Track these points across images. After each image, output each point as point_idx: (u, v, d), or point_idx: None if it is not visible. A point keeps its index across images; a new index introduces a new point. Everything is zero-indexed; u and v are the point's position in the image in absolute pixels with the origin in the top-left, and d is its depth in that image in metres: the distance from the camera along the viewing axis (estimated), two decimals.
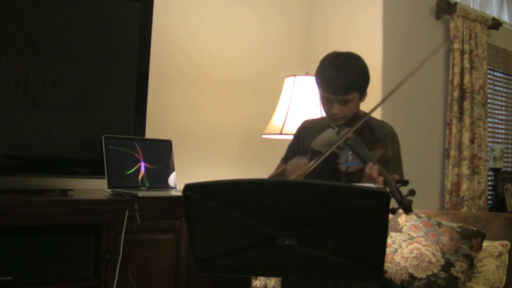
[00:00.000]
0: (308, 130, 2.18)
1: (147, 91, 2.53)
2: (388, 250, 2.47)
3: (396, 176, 1.82)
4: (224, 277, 2.32)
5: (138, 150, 2.38)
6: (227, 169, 3.20)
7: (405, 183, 1.78)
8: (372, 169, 1.79)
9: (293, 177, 1.94)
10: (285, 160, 2.28)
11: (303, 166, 1.94)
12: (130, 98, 2.48)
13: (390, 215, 2.02)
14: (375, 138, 1.99)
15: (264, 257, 1.45)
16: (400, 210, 1.79)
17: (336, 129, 2.01)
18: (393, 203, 1.77)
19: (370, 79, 2.02)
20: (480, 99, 3.71)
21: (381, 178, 1.77)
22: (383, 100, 1.98)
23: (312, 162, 1.93)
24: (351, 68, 1.96)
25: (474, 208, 3.61)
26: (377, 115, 3.08)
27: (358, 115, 2.05)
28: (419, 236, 2.47)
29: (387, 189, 1.77)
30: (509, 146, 4.55)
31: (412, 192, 1.74)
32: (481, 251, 2.45)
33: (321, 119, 2.31)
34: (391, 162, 1.94)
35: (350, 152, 1.91)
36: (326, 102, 2.01)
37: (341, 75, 1.94)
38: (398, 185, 1.77)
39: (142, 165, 2.38)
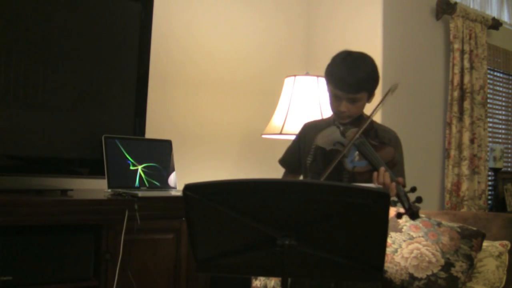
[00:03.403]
0: (309, 131, 2.18)
1: (147, 91, 2.53)
2: (388, 250, 2.47)
3: (401, 179, 1.82)
4: (224, 277, 2.32)
5: (138, 150, 2.38)
6: (227, 169, 3.20)
7: (414, 189, 1.78)
8: (385, 176, 1.79)
9: None
10: (283, 161, 2.29)
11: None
12: (130, 98, 2.48)
13: (393, 217, 2.02)
14: (381, 141, 1.99)
15: (264, 257, 1.45)
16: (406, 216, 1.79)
17: (341, 128, 2.01)
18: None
19: (379, 80, 2.02)
20: (480, 99, 3.71)
21: (393, 185, 1.77)
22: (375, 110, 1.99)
23: (329, 166, 1.92)
24: (363, 67, 1.97)
25: (474, 208, 3.61)
26: (377, 114, 3.07)
27: (362, 117, 2.05)
28: (419, 236, 2.47)
29: (396, 194, 1.77)
30: (509, 146, 4.55)
31: (419, 199, 1.74)
32: (481, 251, 2.46)
33: (322, 120, 2.31)
34: (395, 168, 1.94)
35: (357, 153, 1.91)
36: (335, 99, 2.01)
37: (353, 73, 1.94)
38: (407, 190, 1.77)
39: (142, 165, 2.38)
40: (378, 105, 1.96)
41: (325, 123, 2.15)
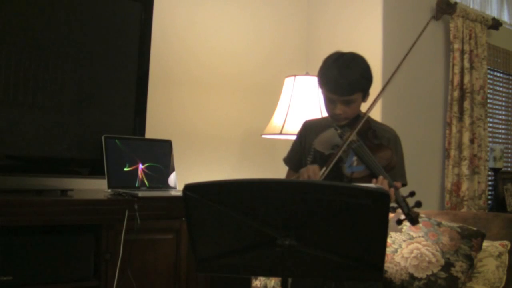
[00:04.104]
0: (309, 130, 2.17)
1: (147, 91, 2.53)
2: (388, 250, 2.47)
3: (399, 184, 1.81)
4: (224, 277, 2.32)
5: (138, 150, 2.38)
6: (227, 169, 3.20)
7: (412, 194, 1.78)
8: (383, 183, 1.79)
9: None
10: (287, 159, 2.28)
11: (316, 175, 1.92)
12: (130, 98, 2.49)
13: (393, 218, 2.02)
14: (379, 142, 1.98)
15: (264, 257, 1.45)
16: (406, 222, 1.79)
17: (339, 130, 2.00)
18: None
19: (373, 79, 2.02)
20: (480, 99, 3.71)
21: (392, 191, 1.77)
22: (383, 88, 1.98)
23: (323, 170, 1.92)
24: (355, 68, 1.95)
25: (474, 208, 3.61)
26: (377, 114, 3.08)
27: (360, 116, 2.04)
28: (419, 236, 2.47)
29: (395, 200, 1.77)
30: (509, 146, 4.55)
31: (418, 204, 1.74)
32: (481, 251, 2.45)
33: (322, 119, 2.30)
34: (394, 170, 1.94)
35: (355, 157, 1.90)
36: (329, 102, 2.00)
37: (345, 75, 1.92)
38: (405, 195, 1.77)
39: (142, 165, 2.38)
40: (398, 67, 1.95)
41: (325, 122, 2.14)
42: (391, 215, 1.64)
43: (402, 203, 1.76)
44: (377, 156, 1.89)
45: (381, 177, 1.81)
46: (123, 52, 2.48)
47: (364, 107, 2.09)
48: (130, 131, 2.47)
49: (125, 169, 2.32)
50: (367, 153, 1.89)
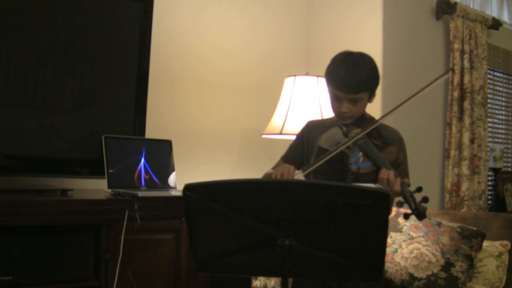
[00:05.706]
0: (312, 130, 2.17)
1: (147, 91, 2.53)
2: (388, 250, 2.47)
3: (407, 180, 1.81)
4: (224, 277, 2.32)
5: (138, 150, 2.38)
6: (227, 168, 3.20)
7: (419, 189, 1.77)
8: (389, 174, 1.79)
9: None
10: (285, 158, 2.28)
11: (290, 174, 1.92)
12: (130, 98, 2.49)
13: (393, 217, 2.01)
14: (385, 141, 1.98)
15: (264, 257, 1.45)
16: (413, 216, 1.78)
17: (344, 128, 2.00)
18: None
19: (379, 80, 2.02)
20: (480, 99, 3.71)
21: (398, 181, 1.77)
22: (395, 108, 1.99)
23: (319, 160, 1.92)
24: (363, 67, 1.96)
25: (474, 208, 3.61)
26: (378, 114, 3.08)
27: (365, 116, 2.04)
28: (419, 236, 2.47)
29: (402, 195, 1.77)
30: (509, 146, 4.55)
31: (425, 199, 1.73)
32: (481, 251, 2.46)
33: (326, 119, 2.30)
34: (400, 168, 1.94)
35: (361, 153, 1.90)
36: (336, 100, 2.01)
37: (353, 73, 1.94)
38: (412, 190, 1.77)
39: (142, 165, 2.38)
40: (425, 87, 1.95)
41: (329, 122, 2.14)
42: (398, 210, 1.63)
43: (409, 198, 1.75)
44: (383, 153, 1.89)
45: (383, 169, 1.81)
46: (123, 52, 2.48)
47: (370, 107, 2.09)
48: (130, 131, 2.47)
49: (126, 169, 2.32)
50: (373, 149, 1.89)
